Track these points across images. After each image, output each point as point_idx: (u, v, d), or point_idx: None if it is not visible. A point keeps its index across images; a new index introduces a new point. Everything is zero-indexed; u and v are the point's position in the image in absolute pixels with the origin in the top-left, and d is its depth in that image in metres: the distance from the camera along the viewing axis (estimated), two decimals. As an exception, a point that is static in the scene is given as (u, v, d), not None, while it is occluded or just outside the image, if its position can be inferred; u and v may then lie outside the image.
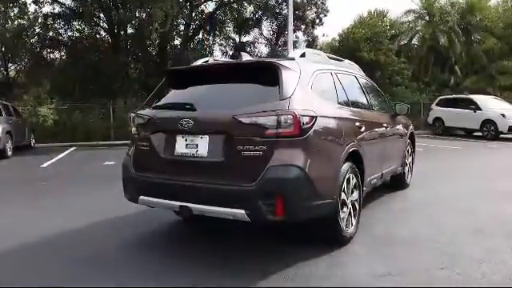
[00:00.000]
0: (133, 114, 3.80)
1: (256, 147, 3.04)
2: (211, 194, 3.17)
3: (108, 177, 7.78)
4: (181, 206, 3.29)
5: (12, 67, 22.67)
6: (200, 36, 21.69)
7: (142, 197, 3.55)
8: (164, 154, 3.47)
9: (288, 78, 3.28)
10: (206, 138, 3.28)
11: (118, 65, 17.60)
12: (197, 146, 3.32)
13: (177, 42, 20.96)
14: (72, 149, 13.62)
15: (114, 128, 16.49)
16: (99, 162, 10.22)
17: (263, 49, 24.13)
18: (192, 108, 3.36)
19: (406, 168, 6.13)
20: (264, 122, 3.04)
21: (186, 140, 3.37)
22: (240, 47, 22.39)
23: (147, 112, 3.68)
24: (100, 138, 15.94)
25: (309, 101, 3.31)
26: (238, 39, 24.03)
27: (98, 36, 19.46)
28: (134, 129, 3.76)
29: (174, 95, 3.78)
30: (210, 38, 21.91)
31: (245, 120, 3.08)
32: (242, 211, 3.02)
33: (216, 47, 22.84)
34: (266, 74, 3.33)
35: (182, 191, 3.33)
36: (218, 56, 26.32)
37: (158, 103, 3.73)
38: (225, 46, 23.87)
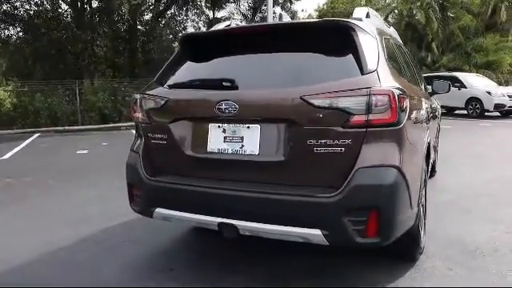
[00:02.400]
0: (139, 96, 2.80)
1: (336, 141, 2.15)
2: (268, 207, 2.27)
3: (85, 170, 6.68)
4: (221, 223, 2.37)
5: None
6: (172, 11, 20.16)
7: (158, 209, 2.61)
8: (191, 150, 2.53)
9: (368, 45, 2.39)
10: (257, 128, 2.36)
11: (83, 42, 15.97)
12: (241, 139, 2.38)
13: (147, 17, 19.38)
14: (36, 135, 12.19)
15: (81, 112, 15.02)
16: (70, 150, 9.01)
17: (238, 25, 22.85)
18: (233, 86, 2.42)
19: (437, 154, 5.43)
20: (348, 106, 2.15)
21: (224, 131, 2.43)
22: (214, 24, 21.07)
23: (162, 92, 2.68)
24: (66, 123, 14.46)
25: (391, 75, 2.43)
26: (211, 15, 22.68)
27: (60, 10, 17.61)
28: (141, 115, 2.76)
29: (197, 70, 2.80)
30: (183, 13, 20.43)
31: (319, 102, 2.17)
32: (318, 232, 2.15)
33: (189, 23, 21.40)
34: (337, 39, 2.43)
35: (221, 203, 2.40)
36: (191, 33, 24.98)
37: (178, 80, 2.73)
38: (197, 22, 22.50)
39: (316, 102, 2.17)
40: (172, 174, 2.63)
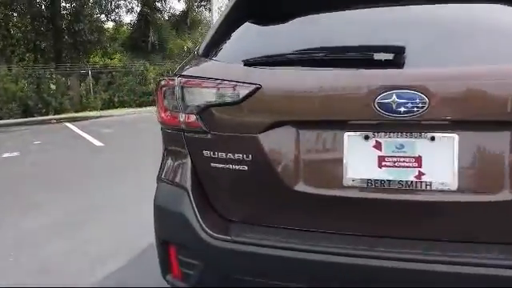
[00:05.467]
0: (178, 80, 1.50)
1: None
2: None
3: (23, 184, 5.03)
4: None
5: None
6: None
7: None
8: (305, 183, 1.34)
9: None
10: (451, 139, 1.22)
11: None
12: (417, 161, 1.24)
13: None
14: None
15: (-2, 103, 12.65)
16: (-7, 153, 7.11)
17: (177, 4, 21.02)
18: (408, 61, 1.26)
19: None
20: None
21: (379, 146, 1.27)
22: (149, 1, 19.08)
23: (237, 73, 1.41)
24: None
25: None
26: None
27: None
28: (186, 117, 1.48)
29: (291, 33, 1.56)
30: (114, -10, 18.25)
31: None
32: None
33: (121, 1, 19.17)
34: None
35: (381, 281, 1.26)
36: (123, 15, 22.54)
37: (264, 51, 1.44)
38: (129, 2, 20.28)
39: None
40: (262, 226, 1.42)
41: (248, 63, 1.42)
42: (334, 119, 1.33)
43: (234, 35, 1.59)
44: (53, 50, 16.14)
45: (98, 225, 3.52)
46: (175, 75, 1.55)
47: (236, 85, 1.39)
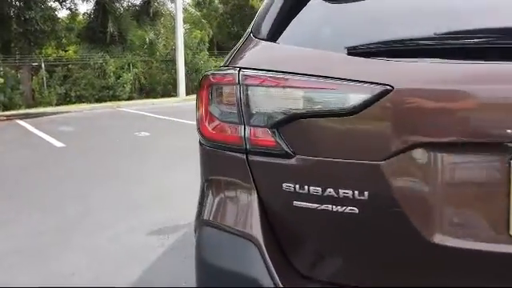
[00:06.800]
0: (247, 74, 0.98)
1: None
2: None
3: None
4: None
5: None
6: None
7: None
8: (445, 233, 0.89)
9: None
10: None
11: None
12: None
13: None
14: None
15: None
16: None
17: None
18: None
19: None
20: None
21: None
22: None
23: (347, 66, 0.92)
24: None
25: None
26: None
27: None
28: (250, 132, 0.98)
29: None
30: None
31: None
32: None
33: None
34: None
35: None
36: (79, 4, 21.03)
37: (379, 37, 0.95)
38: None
39: None
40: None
41: (355, 51, 0.93)
42: (496, 140, 0.87)
43: (318, 7, 1.09)
44: (0, 40, 14.73)
45: (68, 255, 2.93)
46: (229, 67, 1.04)
47: (348, 85, 0.90)
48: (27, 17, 13.94)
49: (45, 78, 14.37)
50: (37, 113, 12.03)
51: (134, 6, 18.56)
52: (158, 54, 17.41)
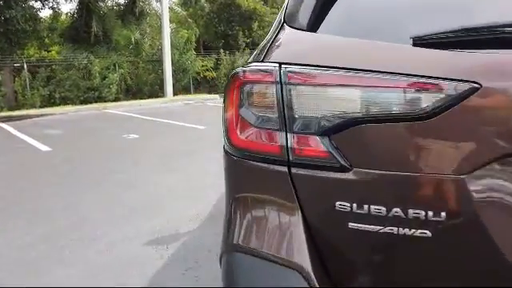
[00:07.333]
0: (290, 70, 0.81)
1: None
2: None
3: None
4: None
5: None
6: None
7: None
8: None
9: None
10: None
11: None
12: None
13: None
14: None
15: None
16: None
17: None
18: None
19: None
20: None
21: None
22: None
23: (417, 61, 0.75)
24: None
25: None
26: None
27: None
28: (293, 140, 0.81)
29: None
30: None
31: None
32: None
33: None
34: None
35: None
36: (62, 3, 20.57)
37: (446, 25, 0.81)
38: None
39: None
40: None
41: (423, 42, 0.77)
42: None
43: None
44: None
45: (59, 269, 2.72)
46: (264, 62, 0.87)
47: (421, 83, 0.74)
48: (7, 16, 13.49)
49: (28, 80, 13.95)
50: (20, 115, 11.65)
51: (119, 5, 18.22)
52: (144, 54, 17.08)
